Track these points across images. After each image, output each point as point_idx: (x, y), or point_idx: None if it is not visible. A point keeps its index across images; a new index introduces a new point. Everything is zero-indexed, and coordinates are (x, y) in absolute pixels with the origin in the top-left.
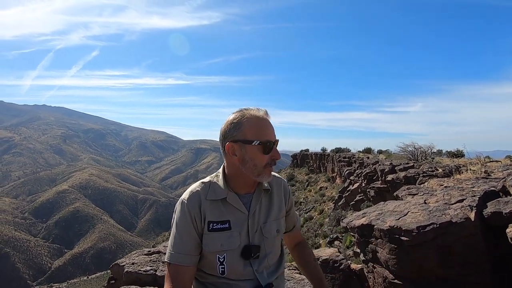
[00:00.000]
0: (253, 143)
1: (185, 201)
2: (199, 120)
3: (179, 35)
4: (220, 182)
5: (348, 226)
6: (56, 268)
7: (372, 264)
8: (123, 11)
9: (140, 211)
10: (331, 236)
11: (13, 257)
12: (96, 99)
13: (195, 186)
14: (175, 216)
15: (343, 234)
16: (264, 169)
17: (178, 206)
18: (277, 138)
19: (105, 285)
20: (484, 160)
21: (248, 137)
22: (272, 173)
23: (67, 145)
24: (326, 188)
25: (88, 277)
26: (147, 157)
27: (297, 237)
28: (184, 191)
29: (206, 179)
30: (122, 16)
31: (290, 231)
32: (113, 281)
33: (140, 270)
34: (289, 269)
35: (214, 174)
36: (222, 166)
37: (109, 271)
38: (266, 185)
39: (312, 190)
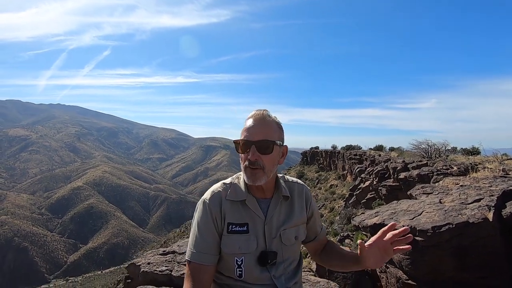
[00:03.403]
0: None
1: (207, 201)
2: (209, 118)
3: (189, 37)
4: (241, 184)
5: (360, 225)
6: (72, 262)
7: (385, 264)
8: (133, 10)
9: (151, 208)
10: (341, 234)
11: (31, 251)
12: (109, 97)
13: (216, 186)
14: (196, 215)
15: (354, 233)
16: (245, 169)
17: (199, 205)
18: (270, 139)
19: (120, 282)
20: (502, 157)
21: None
22: (294, 179)
23: (81, 143)
24: (337, 186)
25: (102, 272)
26: (158, 154)
27: (322, 243)
28: (194, 188)
29: (228, 180)
30: (132, 15)
31: (312, 241)
32: (129, 280)
33: (156, 270)
34: (304, 271)
35: (236, 175)
36: None
37: (122, 266)
38: (285, 192)
39: (322, 187)
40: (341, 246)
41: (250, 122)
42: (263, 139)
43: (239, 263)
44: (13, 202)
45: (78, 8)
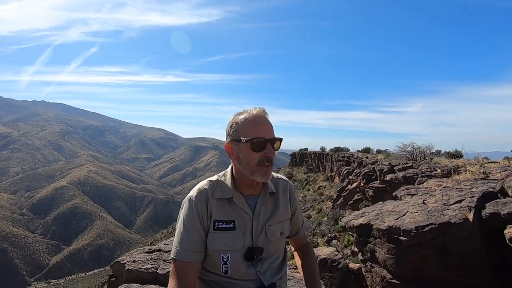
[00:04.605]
0: (242, 141)
1: (193, 198)
2: (198, 118)
3: (180, 32)
4: (228, 181)
5: (346, 226)
6: (54, 264)
7: (370, 263)
8: (122, 7)
9: (138, 208)
10: (329, 235)
11: (11, 252)
12: (95, 95)
13: (202, 184)
14: (182, 212)
15: (341, 233)
16: (257, 167)
17: (185, 203)
18: (277, 136)
19: (105, 282)
20: (483, 161)
21: (239, 135)
22: (279, 175)
23: (66, 142)
24: (325, 187)
25: (85, 274)
26: (146, 154)
27: (301, 241)
28: (183, 188)
29: (214, 178)
30: (121, 12)
31: (294, 236)
32: (114, 278)
33: (141, 268)
34: (289, 268)
35: (222, 173)
36: (230, 166)
37: (106, 267)
38: (272, 187)
39: (311, 189)
40: (312, 269)
41: (256, 119)
42: (276, 137)
43: (225, 259)
44: None
45: (64, 2)
